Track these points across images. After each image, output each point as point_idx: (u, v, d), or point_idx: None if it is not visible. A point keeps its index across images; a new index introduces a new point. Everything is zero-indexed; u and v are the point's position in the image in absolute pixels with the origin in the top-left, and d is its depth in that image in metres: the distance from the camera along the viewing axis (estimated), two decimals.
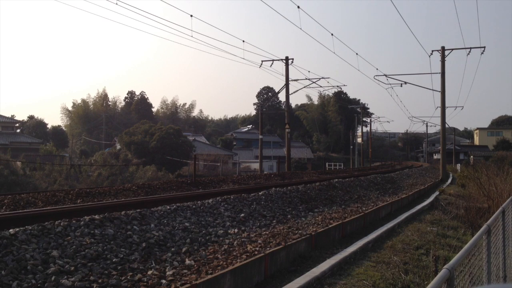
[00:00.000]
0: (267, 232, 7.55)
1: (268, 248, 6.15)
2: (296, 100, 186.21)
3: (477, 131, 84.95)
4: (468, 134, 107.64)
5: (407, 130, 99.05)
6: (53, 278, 4.46)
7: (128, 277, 4.74)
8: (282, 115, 62.43)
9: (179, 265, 5.41)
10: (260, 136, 33.25)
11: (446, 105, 29.33)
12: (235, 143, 72.41)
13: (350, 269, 6.17)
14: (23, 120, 71.71)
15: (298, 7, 19.23)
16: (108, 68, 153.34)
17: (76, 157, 54.04)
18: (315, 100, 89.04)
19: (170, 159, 41.37)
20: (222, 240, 6.84)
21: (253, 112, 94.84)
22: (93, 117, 77.82)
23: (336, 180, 16.29)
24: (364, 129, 68.24)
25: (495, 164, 30.29)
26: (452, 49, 28.82)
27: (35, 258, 4.82)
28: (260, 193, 10.90)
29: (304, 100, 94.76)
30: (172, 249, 6.07)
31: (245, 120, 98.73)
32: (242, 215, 8.67)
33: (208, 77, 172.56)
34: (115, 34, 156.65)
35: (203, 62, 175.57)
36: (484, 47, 28.18)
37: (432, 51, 28.89)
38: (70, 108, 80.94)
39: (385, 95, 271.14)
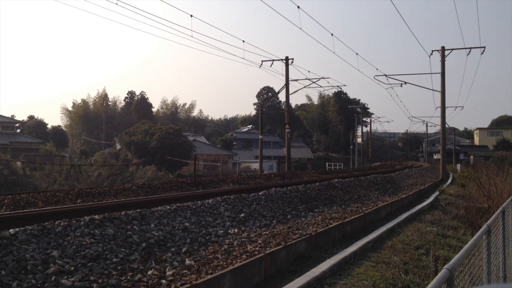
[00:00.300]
0: (267, 232, 7.55)
1: (268, 248, 6.15)
2: (296, 100, 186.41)
3: (477, 131, 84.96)
4: (468, 134, 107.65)
5: (407, 130, 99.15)
6: (53, 278, 4.46)
7: (128, 277, 4.74)
8: (282, 115, 62.44)
9: (179, 265, 5.41)
10: (260, 136, 33.25)
11: (446, 105, 29.36)
12: (235, 143, 72.42)
13: (350, 269, 6.16)
14: (23, 120, 71.80)
15: (298, 7, 19.24)
16: (108, 68, 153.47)
17: (76, 157, 54.02)
18: (315, 100, 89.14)
19: (170, 159, 41.37)
20: (222, 240, 6.84)
21: (253, 112, 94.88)
22: (93, 117, 77.82)
23: (336, 180, 16.29)
24: (364, 129, 68.29)
25: (495, 164, 30.31)
26: (452, 49, 28.83)
27: (35, 258, 4.82)
28: (260, 193, 10.90)
29: (304, 100, 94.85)
30: (172, 249, 6.07)
31: (245, 120, 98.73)
32: (242, 215, 8.67)
33: (208, 77, 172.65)
34: (115, 34, 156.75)
35: (203, 62, 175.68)
36: (484, 47, 28.22)
37: (432, 51, 28.91)
38: (70, 108, 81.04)
39: (385, 95, 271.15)
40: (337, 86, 60.24)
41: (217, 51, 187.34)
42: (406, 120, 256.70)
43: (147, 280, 4.70)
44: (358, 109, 68.07)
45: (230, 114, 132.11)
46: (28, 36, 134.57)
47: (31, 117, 73.56)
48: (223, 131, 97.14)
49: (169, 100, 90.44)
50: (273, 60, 30.10)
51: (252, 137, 74.04)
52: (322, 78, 31.77)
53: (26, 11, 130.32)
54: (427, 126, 70.15)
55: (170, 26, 53.99)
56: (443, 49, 28.27)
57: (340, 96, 78.89)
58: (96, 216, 6.52)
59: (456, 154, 60.07)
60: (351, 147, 65.88)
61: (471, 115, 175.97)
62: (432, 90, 36.76)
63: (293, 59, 30.31)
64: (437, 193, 18.16)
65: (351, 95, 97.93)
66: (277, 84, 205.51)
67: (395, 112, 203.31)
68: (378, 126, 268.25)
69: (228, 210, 8.86)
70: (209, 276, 4.65)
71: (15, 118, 64.61)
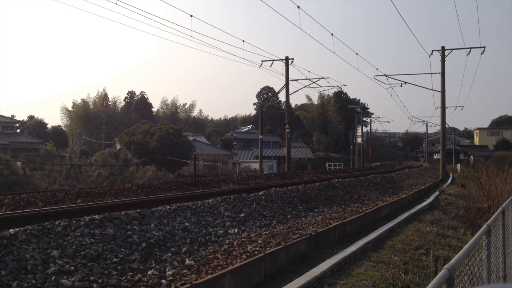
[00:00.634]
0: (267, 232, 7.55)
1: (268, 248, 6.15)
2: (296, 100, 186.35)
3: (477, 131, 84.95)
4: (468, 134, 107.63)
5: (407, 130, 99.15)
6: (53, 278, 4.46)
7: (128, 277, 4.74)
8: (282, 115, 62.44)
9: (179, 265, 5.40)
10: (260, 136, 33.25)
11: (446, 105, 29.35)
12: (235, 143, 72.41)
13: (350, 269, 6.16)
14: (23, 120, 71.73)
15: (298, 7, 19.24)
16: (108, 68, 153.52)
17: (76, 157, 54.02)
18: (315, 100, 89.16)
19: (170, 159, 41.37)
20: (222, 240, 6.84)
21: (253, 112, 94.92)
22: (93, 117, 77.82)
23: (336, 180, 16.29)
24: (364, 129, 68.29)
25: (495, 164, 30.31)
26: (452, 49, 28.82)
27: (35, 258, 4.82)
28: (260, 193, 10.89)
29: (304, 100, 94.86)
30: (172, 249, 6.06)
31: (245, 120, 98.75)
32: (242, 215, 8.67)
33: (208, 77, 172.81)
34: (115, 34, 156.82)
35: (203, 62, 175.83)
36: (484, 47, 28.20)
37: (432, 51, 28.90)
38: (70, 108, 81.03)
39: (385, 95, 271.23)
40: (337, 86, 60.26)
41: (217, 51, 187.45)
42: (406, 120, 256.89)
43: (147, 280, 4.70)
44: (358, 109, 68.09)
45: (230, 114, 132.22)
46: (28, 36, 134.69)
47: (31, 117, 73.54)
48: (223, 131, 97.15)
49: (169, 100, 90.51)
50: (273, 60, 30.11)
51: (252, 137, 74.05)
52: (322, 78, 31.78)
53: (26, 11, 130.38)
54: (427, 126, 70.20)
55: (170, 26, 54.03)
56: (443, 49, 28.26)
57: (340, 96, 78.88)
58: (96, 216, 6.52)
59: (456, 154, 60.09)
60: (351, 147, 65.91)
61: (471, 115, 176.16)
62: (432, 90, 36.72)
63: (293, 59, 30.34)
64: (437, 193, 18.16)
65: (351, 95, 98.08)
66: (277, 84, 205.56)
67: (395, 112, 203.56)
68: (378, 126, 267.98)
69: (228, 210, 8.86)
70: (209, 276, 4.65)
71: (15, 118, 64.62)
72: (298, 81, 38.42)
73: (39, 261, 4.79)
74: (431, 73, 35.27)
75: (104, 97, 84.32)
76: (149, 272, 4.99)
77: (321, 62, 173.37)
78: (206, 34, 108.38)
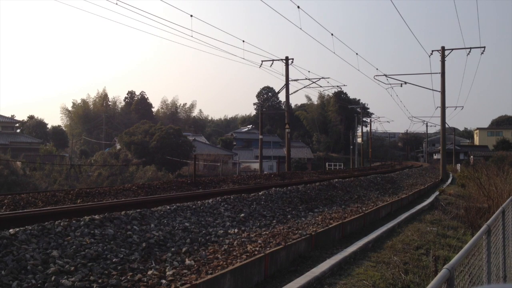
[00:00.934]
0: (267, 232, 7.55)
1: (268, 248, 6.15)
2: (296, 100, 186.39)
3: (477, 131, 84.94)
4: (468, 134, 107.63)
5: (407, 130, 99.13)
6: (53, 278, 4.46)
7: (128, 277, 4.74)
8: (282, 115, 62.44)
9: (179, 265, 5.40)
10: (260, 136, 33.25)
11: (446, 105, 29.35)
12: (235, 143, 72.38)
13: (350, 269, 6.16)
14: (23, 120, 71.71)
15: (298, 7, 19.24)
16: (108, 68, 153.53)
17: (76, 157, 54.03)
18: (315, 100, 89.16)
19: (170, 159, 41.37)
20: (222, 240, 6.84)
21: (253, 112, 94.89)
22: (93, 117, 77.81)
23: (336, 180, 16.29)
24: (364, 129, 68.32)
25: (495, 164, 30.30)
26: (452, 49, 28.82)
27: (35, 258, 4.82)
28: (260, 193, 10.89)
29: (304, 100, 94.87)
30: (172, 249, 6.06)
31: (245, 120, 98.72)
32: (242, 215, 8.67)
33: (208, 77, 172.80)
34: (115, 34, 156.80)
35: (203, 62, 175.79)
36: (484, 47, 28.20)
37: (432, 51, 28.89)
38: (70, 108, 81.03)
39: (385, 95, 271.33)
40: (337, 86, 60.17)
41: (217, 51, 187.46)
42: (406, 120, 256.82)
43: (147, 280, 4.70)
44: (358, 109, 68.08)
45: (230, 114, 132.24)
46: (28, 36, 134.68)
47: (31, 117, 73.54)
48: (223, 131, 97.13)
49: (169, 100, 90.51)
50: (273, 60, 30.11)
51: (252, 137, 74.03)
52: (322, 78, 31.79)
53: (26, 11, 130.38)
54: (427, 126, 70.23)
55: (170, 26, 54.01)
56: (443, 49, 28.26)
57: (340, 96, 78.86)
58: (96, 216, 6.52)
59: (456, 154, 60.07)
60: (351, 147, 65.91)
61: (471, 115, 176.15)
62: (432, 90, 36.78)
63: (293, 59, 30.34)
64: (437, 193, 18.16)
65: (351, 95, 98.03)
66: (277, 84, 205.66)
67: (395, 112, 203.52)
68: (378, 126, 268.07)
69: (228, 210, 8.86)
70: (209, 276, 4.65)
71: (15, 118, 64.62)
72: (298, 81, 38.46)
73: (39, 261, 4.79)
74: (431, 73, 35.31)
75: (104, 97, 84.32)
76: (149, 272, 4.99)
77: (321, 62, 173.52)
78: (206, 34, 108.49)
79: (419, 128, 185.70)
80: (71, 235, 5.66)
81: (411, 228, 9.75)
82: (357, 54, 28.92)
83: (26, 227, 5.57)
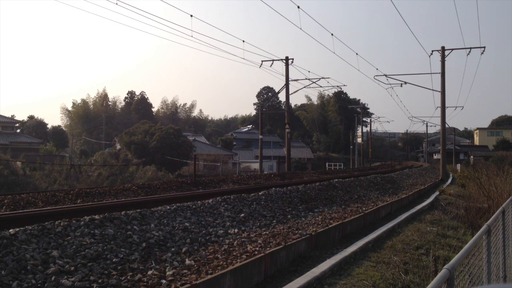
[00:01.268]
0: (267, 232, 7.55)
1: (268, 248, 6.15)
2: (296, 100, 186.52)
3: (477, 131, 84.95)
4: (468, 134, 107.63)
5: (407, 130, 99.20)
6: (53, 278, 4.46)
7: (128, 277, 4.74)
8: (282, 115, 62.44)
9: (179, 265, 5.40)
10: (260, 136, 33.25)
11: (446, 105, 29.34)
12: (235, 143, 72.38)
13: (350, 269, 6.16)
14: (23, 120, 71.75)
15: (298, 7, 19.24)
16: (108, 68, 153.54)
17: (76, 157, 54.03)
18: (315, 100, 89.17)
19: (170, 159, 41.36)
20: (222, 240, 6.84)
21: (253, 112, 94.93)
22: (93, 117, 77.84)
23: (336, 180, 16.28)
24: (364, 129, 68.29)
25: (495, 164, 30.31)
26: (452, 49, 28.82)
27: (35, 258, 4.82)
28: (260, 193, 10.89)
29: (304, 100, 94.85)
30: (172, 249, 6.06)
31: (245, 120, 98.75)
32: (242, 215, 8.67)
33: (208, 77, 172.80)
34: (115, 34, 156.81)
35: (203, 62, 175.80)
36: (484, 47, 28.20)
37: (432, 51, 28.89)
38: (70, 108, 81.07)
39: (385, 95, 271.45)
40: (337, 86, 60.17)
41: (217, 51, 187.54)
42: (406, 120, 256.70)
43: (147, 280, 4.70)
44: (358, 109, 68.07)
45: (230, 114, 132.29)
46: (28, 36, 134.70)
47: (31, 117, 73.55)
48: (223, 131, 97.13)
49: (169, 100, 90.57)
50: (273, 60, 30.11)
51: (252, 137, 74.05)
52: (322, 78, 31.79)
53: (26, 11, 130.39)
54: (427, 126, 70.20)
55: (170, 26, 53.97)
56: (443, 49, 28.26)
57: (340, 96, 78.90)
58: (96, 216, 6.52)
59: (456, 154, 60.06)
60: (351, 147, 65.90)
61: (471, 115, 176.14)
62: (432, 90, 36.73)
63: (293, 59, 30.34)
64: (437, 193, 18.16)
65: (351, 95, 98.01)
66: (277, 84, 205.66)
67: (395, 112, 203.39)
68: (378, 126, 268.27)
69: (228, 210, 8.86)
70: (209, 276, 4.65)
71: (15, 118, 64.63)
72: (298, 81, 38.49)
73: (39, 261, 4.79)
74: (431, 73, 35.34)
75: (104, 97, 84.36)
76: (149, 272, 4.99)
77: (321, 62, 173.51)
78: (206, 34, 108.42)
79: (419, 128, 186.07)
80: (71, 235, 5.66)
81: (411, 228, 9.75)
82: (357, 54, 28.96)
83: (26, 227, 5.57)
